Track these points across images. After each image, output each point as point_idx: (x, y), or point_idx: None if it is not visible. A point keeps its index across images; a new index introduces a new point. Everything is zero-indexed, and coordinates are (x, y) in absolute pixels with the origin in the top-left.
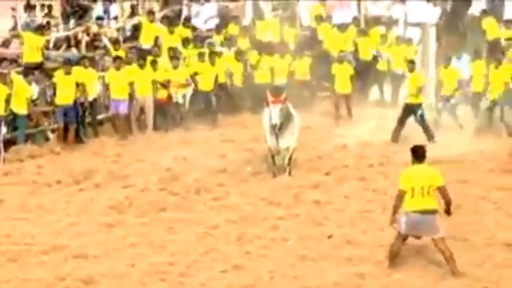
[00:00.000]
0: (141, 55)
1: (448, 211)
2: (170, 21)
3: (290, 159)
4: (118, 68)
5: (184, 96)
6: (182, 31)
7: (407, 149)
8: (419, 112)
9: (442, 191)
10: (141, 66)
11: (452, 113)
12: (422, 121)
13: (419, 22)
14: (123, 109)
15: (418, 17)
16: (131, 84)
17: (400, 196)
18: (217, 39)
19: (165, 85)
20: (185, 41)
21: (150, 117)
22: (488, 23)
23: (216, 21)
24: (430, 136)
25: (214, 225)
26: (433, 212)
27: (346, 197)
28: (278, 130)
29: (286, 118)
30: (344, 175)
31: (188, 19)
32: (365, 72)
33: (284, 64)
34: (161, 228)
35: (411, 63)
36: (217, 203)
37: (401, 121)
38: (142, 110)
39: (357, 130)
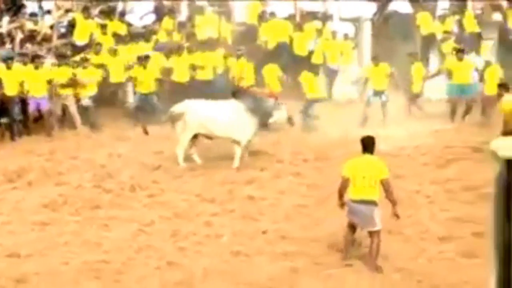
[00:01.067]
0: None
1: (395, 212)
2: (107, 17)
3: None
4: (9, 67)
5: (90, 98)
6: (116, 26)
7: (344, 144)
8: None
9: (384, 184)
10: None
11: (383, 109)
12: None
13: (354, 17)
14: (43, 106)
15: (353, 12)
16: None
17: (343, 183)
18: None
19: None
20: (119, 38)
21: (75, 114)
22: (422, 17)
23: (152, 17)
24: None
25: (148, 222)
26: (372, 203)
27: (281, 193)
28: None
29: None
30: (279, 170)
31: (122, 14)
32: (300, 67)
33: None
34: (96, 225)
35: None
36: (152, 200)
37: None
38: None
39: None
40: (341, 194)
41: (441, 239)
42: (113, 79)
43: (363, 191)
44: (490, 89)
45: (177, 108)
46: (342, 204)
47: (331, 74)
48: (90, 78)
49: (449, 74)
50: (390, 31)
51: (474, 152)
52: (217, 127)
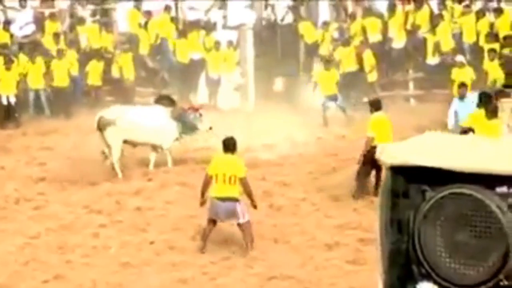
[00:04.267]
0: None
1: (252, 202)
2: None
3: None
4: None
5: None
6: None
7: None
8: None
9: (242, 182)
10: None
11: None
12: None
13: (237, 25)
14: None
15: (236, 20)
16: None
17: (206, 180)
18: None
19: None
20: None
21: None
22: (305, 27)
23: (32, 27)
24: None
25: (34, 234)
26: (233, 199)
27: (168, 203)
28: None
29: None
30: (166, 180)
31: (8, 23)
32: (184, 76)
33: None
34: None
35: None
36: (38, 212)
37: None
38: None
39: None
40: (202, 192)
41: (328, 245)
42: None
43: (225, 189)
44: None
45: (107, 113)
46: (203, 202)
47: (212, 84)
48: None
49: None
50: (273, 39)
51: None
52: (143, 133)
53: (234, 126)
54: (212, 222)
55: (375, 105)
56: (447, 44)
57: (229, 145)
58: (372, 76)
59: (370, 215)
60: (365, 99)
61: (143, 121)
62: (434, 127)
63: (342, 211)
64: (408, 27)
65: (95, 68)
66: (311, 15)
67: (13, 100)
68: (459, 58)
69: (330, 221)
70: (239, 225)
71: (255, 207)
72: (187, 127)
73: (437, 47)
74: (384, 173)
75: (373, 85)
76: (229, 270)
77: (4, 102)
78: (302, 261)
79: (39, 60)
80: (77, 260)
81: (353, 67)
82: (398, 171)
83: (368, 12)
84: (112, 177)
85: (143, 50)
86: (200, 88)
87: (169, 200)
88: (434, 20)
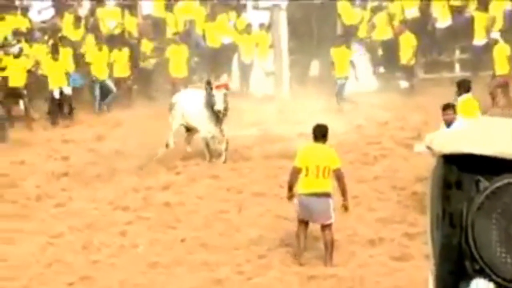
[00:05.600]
0: None
1: (344, 203)
2: (1, 10)
3: (227, 144)
4: None
5: None
6: (18, 22)
7: (262, 142)
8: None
9: (337, 174)
10: None
11: (339, 94)
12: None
13: (268, 7)
14: None
15: (268, 1)
16: None
17: (294, 173)
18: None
19: None
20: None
21: None
22: (343, 6)
23: (51, 11)
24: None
25: (57, 233)
26: (325, 195)
27: (199, 198)
28: (222, 115)
29: (227, 103)
30: (196, 173)
31: (26, 9)
32: (215, 62)
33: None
34: None
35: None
36: (60, 209)
37: None
38: None
39: None
40: (290, 186)
41: (371, 241)
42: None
43: (317, 183)
44: None
45: (173, 97)
46: (291, 196)
47: (245, 69)
48: None
49: None
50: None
51: (402, 148)
52: (187, 118)
53: (267, 114)
54: (304, 223)
55: (464, 86)
56: (499, 23)
57: (320, 133)
58: (410, 60)
59: (415, 208)
60: (403, 84)
61: (189, 106)
62: (484, 112)
63: (386, 203)
64: (454, 4)
65: (119, 58)
66: None
67: (68, 91)
68: (494, 35)
69: (373, 214)
70: (324, 226)
71: (346, 207)
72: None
73: (489, 26)
74: (434, 162)
75: (412, 68)
76: (266, 269)
77: (57, 96)
78: (343, 259)
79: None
80: (104, 261)
81: (389, 35)
82: (450, 160)
83: None
84: (139, 170)
85: (170, 35)
86: (232, 74)
87: (199, 195)
88: None
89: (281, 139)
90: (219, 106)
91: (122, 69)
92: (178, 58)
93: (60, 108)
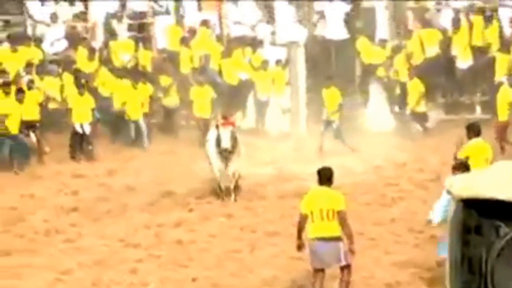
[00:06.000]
0: None
1: (351, 248)
2: (14, 42)
3: (237, 182)
4: None
5: None
6: (32, 53)
7: (277, 181)
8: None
9: (340, 216)
10: None
11: (338, 137)
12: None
13: (286, 43)
14: None
15: (286, 36)
16: None
17: (301, 220)
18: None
19: None
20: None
21: None
22: (363, 43)
23: (64, 43)
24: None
25: (66, 270)
26: (334, 239)
27: (211, 236)
28: (228, 153)
29: (234, 141)
30: (208, 211)
31: (39, 40)
32: (231, 98)
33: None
34: (7, 274)
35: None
36: (69, 245)
37: None
38: None
39: None
40: (299, 233)
41: (388, 285)
42: None
43: (324, 227)
44: None
45: (207, 134)
46: (300, 244)
47: (261, 105)
48: None
49: None
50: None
51: (420, 190)
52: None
53: (283, 152)
54: (320, 271)
55: (474, 130)
56: None
57: (325, 176)
58: (417, 106)
59: (434, 252)
60: (417, 127)
61: (208, 144)
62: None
63: (403, 247)
64: (476, 44)
65: (144, 92)
66: (368, 30)
67: (87, 129)
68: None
69: (390, 257)
70: (343, 267)
71: (352, 251)
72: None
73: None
74: (453, 206)
75: (423, 113)
76: None
77: (79, 130)
78: None
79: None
80: None
81: (406, 75)
82: (469, 204)
83: (429, 25)
84: (149, 206)
85: (185, 69)
86: (248, 111)
87: (212, 233)
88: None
89: (296, 177)
90: (224, 144)
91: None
92: (202, 100)
93: (81, 144)
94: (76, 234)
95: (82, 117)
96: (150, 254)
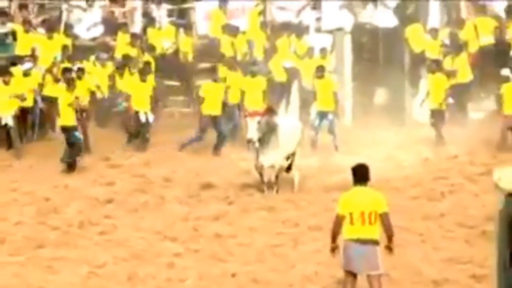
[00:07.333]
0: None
1: (389, 245)
2: (50, 26)
3: (277, 176)
4: None
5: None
6: (62, 40)
7: (321, 174)
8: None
9: (384, 219)
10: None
11: (330, 131)
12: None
13: (332, 30)
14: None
15: (332, 23)
16: None
17: (338, 222)
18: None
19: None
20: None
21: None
22: (413, 31)
23: (100, 29)
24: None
25: (101, 263)
26: (372, 242)
27: (252, 230)
28: (259, 145)
29: (270, 132)
30: (249, 204)
31: (70, 27)
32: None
33: None
34: (39, 267)
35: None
36: (104, 238)
37: None
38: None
39: None
40: (334, 236)
41: (435, 282)
42: None
43: (364, 230)
44: None
45: None
46: (334, 248)
47: (306, 94)
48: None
49: None
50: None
51: (471, 183)
52: None
53: (327, 143)
54: (352, 276)
55: None
56: None
57: (362, 175)
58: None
59: (484, 248)
60: (476, 115)
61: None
62: None
63: (452, 242)
64: None
65: None
66: (419, 18)
67: (151, 118)
68: (504, 72)
69: (438, 254)
70: (371, 276)
71: (390, 249)
72: None
73: None
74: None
75: (443, 113)
76: None
77: (143, 119)
78: None
79: None
80: None
81: (466, 78)
82: None
83: (482, 12)
84: (188, 198)
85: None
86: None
87: (252, 227)
88: None
89: (341, 170)
90: (249, 134)
91: None
92: (254, 91)
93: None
94: (111, 227)
95: (144, 105)
96: (188, 248)
